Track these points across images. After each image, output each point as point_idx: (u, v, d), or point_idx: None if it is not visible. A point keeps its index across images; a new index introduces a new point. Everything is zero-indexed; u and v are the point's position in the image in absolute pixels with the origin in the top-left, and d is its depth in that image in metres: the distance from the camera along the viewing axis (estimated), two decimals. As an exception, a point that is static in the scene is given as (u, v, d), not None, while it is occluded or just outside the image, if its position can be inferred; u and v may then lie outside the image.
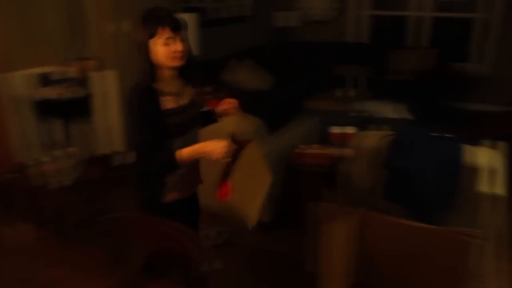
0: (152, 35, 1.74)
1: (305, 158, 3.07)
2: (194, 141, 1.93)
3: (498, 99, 6.14)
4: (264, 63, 5.67)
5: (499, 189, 2.48)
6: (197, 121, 2.02)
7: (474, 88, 6.26)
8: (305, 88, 5.79)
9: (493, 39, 6.16)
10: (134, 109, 1.77)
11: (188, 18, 4.23)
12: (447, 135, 2.61)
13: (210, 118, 2.18)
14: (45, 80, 4.48)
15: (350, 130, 3.19)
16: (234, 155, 1.84)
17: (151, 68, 1.78)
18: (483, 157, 2.45)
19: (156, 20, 1.75)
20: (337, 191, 2.53)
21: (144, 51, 1.76)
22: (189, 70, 1.94)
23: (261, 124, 3.01)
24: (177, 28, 1.77)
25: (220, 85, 4.59)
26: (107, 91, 4.30)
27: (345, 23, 6.99)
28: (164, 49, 1.76)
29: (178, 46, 1.77)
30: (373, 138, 2.64)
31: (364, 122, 3.69)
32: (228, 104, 2.10)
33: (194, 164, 2.03)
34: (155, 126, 1.76)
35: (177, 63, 1.81)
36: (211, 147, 1.75)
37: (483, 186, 2.44)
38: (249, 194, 2.01)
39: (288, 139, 3.18)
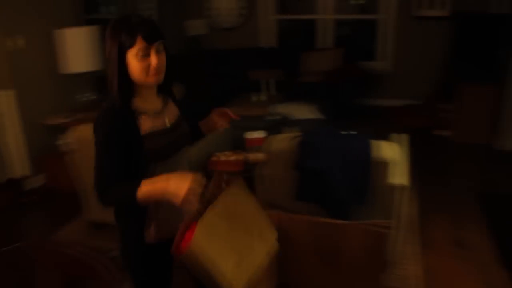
0: (122, 47, 1.45)
1: (218, 166, 3.08)
2: (179, 166, 1.67)
3: (402, 94, 6.62)
4: (175, 73, 5.60)
5: (403, 180, 2.64)
6: (183, 142, 1.72)
7: (381, 85, 6.66)
8: (218, 95, 5.82)
9: (392, 38, 6.60)
10: (99, 134, 1.50)
11: (90, 31, 4.13)
12: (354, 132, 2.74)
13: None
14: None
15: (262, 134, 3.25)
16: (212, 193, 1.47)
17: (125, 85, 1.50)
18: (388, 150, 2.60)
19: (126, 28, 1.45)
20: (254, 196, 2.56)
21: (114, 65, 1.47)
22: (169, 85, 1.69)
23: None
24: (151, 38, 1.46)
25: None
26: (3, 112, 3.99)
27: (255, 28, 7.13)
28: (137, 63, 1.47)
29: (153, 60, 1.48)
30: (284, 141, 2.71)
31: (278, 125, 3.78)
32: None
33: None
34: (125, 154, 1.50)
35: (152, 79, 1.52)
36: (173, 185, 1.39)
37: (391, 178, 2.58)
38: (232, 251, 1.49)
39: (203, 148, 3.18)
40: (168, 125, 1.64)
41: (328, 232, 2.47)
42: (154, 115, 1.59)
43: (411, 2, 6.31)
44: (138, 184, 1.43)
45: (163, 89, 1.67)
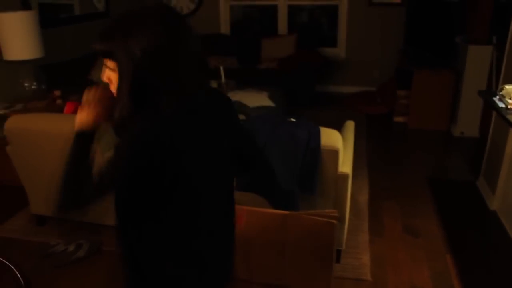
0: None
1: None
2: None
3: (357, 80, 6.70)
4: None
5: (347, 168, 2.64)
6: None
7: (336, 72, 6.68)
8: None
9: (343, 25, 6.62)
10: None
11: (26, 16, 3.89)
12: (299, 120, 2.71)
13: None
14: None
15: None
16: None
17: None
18: (336, 138, 2.58)
19: None
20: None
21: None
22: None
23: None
24: (104, 50, 1.17)
25: (88, 85, 4.33)
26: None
27: (210, 15, 7.01)
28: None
29: (104, 77, 1.22)
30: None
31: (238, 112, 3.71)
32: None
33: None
34: None
35: None
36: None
37: (338, 166, 2.57)
38: None
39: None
40: None
41: (275, 222, 2.45)
42: None
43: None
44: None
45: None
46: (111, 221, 2.83)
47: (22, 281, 1.31)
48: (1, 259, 1.33)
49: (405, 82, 5.37)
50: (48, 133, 2.90)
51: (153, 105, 1.14)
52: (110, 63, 1.16)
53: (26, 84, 4.23)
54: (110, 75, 1.18)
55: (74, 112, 3.30)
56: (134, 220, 1.24)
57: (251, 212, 2.43)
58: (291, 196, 2.54)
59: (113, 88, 1.18)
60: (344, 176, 2.58)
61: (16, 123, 3.01)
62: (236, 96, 4.39)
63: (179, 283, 1.28)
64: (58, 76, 4.57)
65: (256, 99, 4.48)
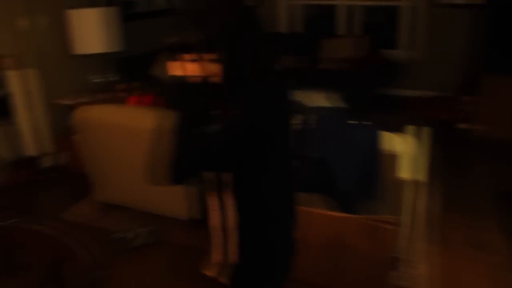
0: None
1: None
2: None
3: (428, 85, 6.39)
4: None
5: (419, 175, 2.55)
6: None
7: (406, 75, 6.46)
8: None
9: (421, 27, 6.36)
10: None
11: (109, 12, 4.11)
12: (365, 122, 2.65)
13: None
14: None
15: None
16: None
17: None
18: (404, 143, 2.51)
19: None
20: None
21: None
22: None
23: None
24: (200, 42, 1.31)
25: (150, 79, 4.48)
26: (29, 90, 4.09)
27: (277, 13, 6.99)
28: None
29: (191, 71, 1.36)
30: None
31: (295, 112, 3.70)
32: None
33: None
34: None
35: None
36: None
37: (403, 172, 2.49)
38: None
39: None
40: None
41: (332, 225, 2.41)
42: None
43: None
44: None
45: None
46: (170, 212, 2.90)
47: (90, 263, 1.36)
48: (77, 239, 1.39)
49: (472, 87, 5.13)
50: (112, 124, 3.01)
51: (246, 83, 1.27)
52: (208, 56, 1.21)
53: (93, 77, 4.43)
54: (208, 66, 1.23)
55: (137, 104, 3.42)
56: (252, 173, 1.38)
57: (308, 212, 2.40)
58: (350, 199, 2.49)
59: (215, 77, 1.25)
60: (415, 183, 2.50)
61: (84, 113, 3.15)
62: (306, 96, 4.36)
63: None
64: (132, 69, 4.74)
65: (316, 100, 4.44)
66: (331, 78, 5.65)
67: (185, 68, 1.25)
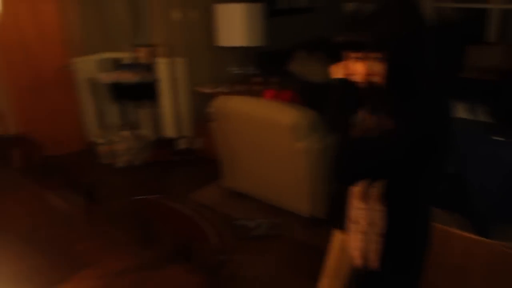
0: None
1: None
2: None
3: None
4: (334, 56, 5.55)
5: None
6: None
7: None
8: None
9: None
10: None
11: (253, 7, 4.28)
12: (509, 140, 2.43)
13: None
14: (116, 65, 4.73)
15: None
16: None
17: None
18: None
19: None
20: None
21: None
22: None
23: (318, 117, 2.98)
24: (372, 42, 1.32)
25: (287, 75, 4.57)
26: (176, 77, 4.44)
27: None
28: None
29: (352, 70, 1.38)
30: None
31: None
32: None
33: None
34: None
35: None
36: None
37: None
38: None
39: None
40: None
41: (462, 245, 2.25)
42: None
43: None
44: None
45: None
46: (293, 207, 2.92)
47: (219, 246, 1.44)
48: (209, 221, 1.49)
49: None
50: (248, 115, 3.13)
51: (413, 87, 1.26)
52: (374, 54, 1.22)
53: (232, 69, 4.66)
54: (373, 65, 1.23)
55: (273, 99, 3.51)
56: (411, 179, 1.37)
57: (443, 230, 2.28)
58: (485, 221, 2.30)
59: (377, 78, 1.25)
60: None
61: (222, 102, 3.32)
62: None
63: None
64: (262, 64, 4.90)
65: (470, 112, 4.15)
66: (476, 89, 5.24)
67: (348, 67, 1.28)
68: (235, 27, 4.27)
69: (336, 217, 1.60)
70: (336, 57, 1.32)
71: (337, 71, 1.34)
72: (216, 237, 1.45)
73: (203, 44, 4.62)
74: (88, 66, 4.78)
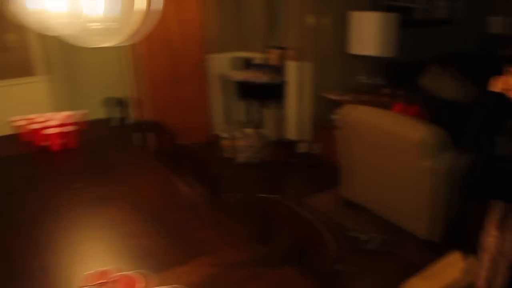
0: None
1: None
2: None
3: None
4: (470, 72, 5.19)
5: None
6: None
7: None
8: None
9: None
10: None
11: (388, 17, 4.17)
12: None
13: None
14: (247, 64, 4.92)
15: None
16: None
17: None
18: None
19: None
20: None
21: None
22: None
23: (447, 137, 2.81)
24: None
25: (415, 89, 4.38)
26: (303, 81, 4.49)
27: None
28: None
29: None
30: None
31: None
32: None
33: None
34: None
35: None
36: None
37: None
38: None
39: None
40: None
41: None
42: None
43: None
44: None
45: None
46: (409, 226, 2.79)
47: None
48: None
49: None
50: (374, 127, 3.06)
51: None
52: None
53: (360, 77, 4.58)
54: None
55: (402, 113, 3.39)
56: None
57: None
58: None
59: None
60: None
61: (348, 111, 3.29)
62: None
63: None
64: (398, 75, 4.75)
65: None
66: None
67: (508, 82, 1.21)
68: (369, 36, 4.20)
69: (458, 239, 1.51)
70: (495, 71, 1.25)
71: (495, 85, 1.26)
72: (335, 245, 1.44)
73: (334, 50, 4.62)
74: (221, 63, 5.04)
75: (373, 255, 3.02)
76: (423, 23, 5.49)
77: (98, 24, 1.31)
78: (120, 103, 3.67)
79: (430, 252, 2.95)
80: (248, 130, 4.56)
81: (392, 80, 4.66)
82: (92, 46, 1.43)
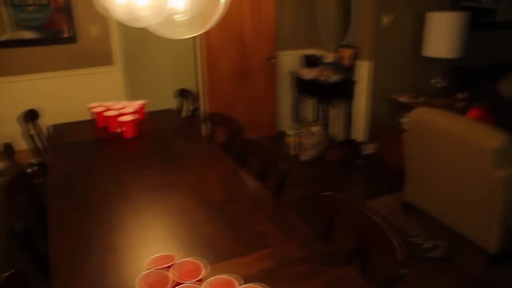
0: None
1: None
2: None
3: None
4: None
5: None
6: None
7: None
8: None
9: None
10: None
11: (455, 17, 3.97)
12: None
13: None
14: (318, 62, 4.89)
15: None
16: None
17: None
18: None
19: None
20: None
21: None
22: None
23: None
24: None
25: (494, 95, 4.17)
26: (372, 81, 4.41)
27: None
28: None
29: None
30: None
31: None
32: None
33: None
34: None
35: None
36: None
37: None
38: None
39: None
40: None
41: None
42: None
43: None
44: None
45: None
46: (474, 237, 2.70)
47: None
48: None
49: None
50: (445, 131, 2.95)
51: None
52: None
53: (434, 81, 4.42)
54: None
55: (477, 119, 3.24)
56: None
57: None
58: None
59: None
60: None
61: (420, 114, 3.18)
62: None
63: None
64: (467, 79, 4.56)
65: None
66: None
67: None
68: (447, 37, 4.03)
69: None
70: None
71: None
72: (401, 249, 1.41)
73: (407, 51, 4.50)
74: (291, 60, 5.05)
75: (435, 263, 2.93)
76: (502, 25, 5.20)
77: (181, 16, 1.37)
78: (191, 94, 3.78)
79: (497, 266, 2.82)
80: (315, 128, 4.54)
81: (467, 84, 4.47)
82: (176, 38, 1.48)
